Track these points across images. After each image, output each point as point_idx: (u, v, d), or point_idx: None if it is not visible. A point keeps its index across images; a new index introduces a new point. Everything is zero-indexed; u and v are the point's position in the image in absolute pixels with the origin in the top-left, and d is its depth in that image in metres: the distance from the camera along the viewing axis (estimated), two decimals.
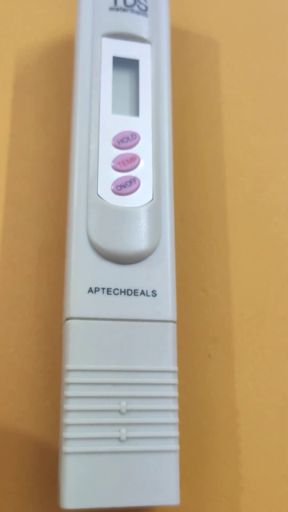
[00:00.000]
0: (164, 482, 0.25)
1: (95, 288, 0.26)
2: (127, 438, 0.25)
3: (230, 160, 0.35)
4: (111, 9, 0.31)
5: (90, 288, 0.26)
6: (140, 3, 0.32)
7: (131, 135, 0.29)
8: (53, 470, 0.27)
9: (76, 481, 0.24)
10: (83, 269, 0.27)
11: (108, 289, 0.26)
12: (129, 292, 0.27)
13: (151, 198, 0.28)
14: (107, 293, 0.26)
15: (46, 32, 0.37)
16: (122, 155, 0.29)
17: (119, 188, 0.28)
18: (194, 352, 0.30)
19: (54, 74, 0.36)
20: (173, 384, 0.26)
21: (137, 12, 0.32)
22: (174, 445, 0.25)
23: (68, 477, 0.24)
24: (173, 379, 0.26)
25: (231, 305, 0.32)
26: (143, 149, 0.29)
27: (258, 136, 0.37)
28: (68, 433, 0.24)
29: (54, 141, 0.34)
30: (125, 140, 0.29)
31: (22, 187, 0.33)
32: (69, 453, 0.24)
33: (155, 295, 0.27)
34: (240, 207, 0.34)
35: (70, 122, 0.31)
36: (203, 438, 0.29)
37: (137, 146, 0.29)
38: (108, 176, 0.28)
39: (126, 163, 0.29)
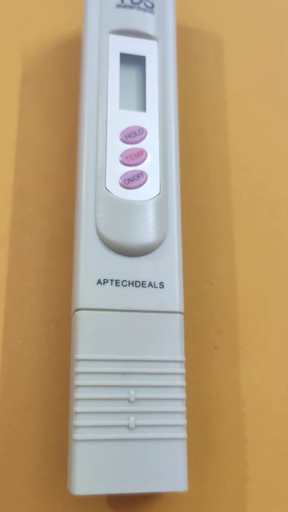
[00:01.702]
0: (172, 469, 0.25)
1: (104, 279, 0.27)
2: (136, 426, 0.25)
3: (234, 154, 0.36)
4: (118, 6, 0.32)
5: (99, 279, 0.27)
6: (147, 0, 0.32)
7: (138, 130, 0.30)
8: (62, 458, 0.27)
9: (86, 468, 0.24)
10: (92, 261, 0.27)
11: (116, 280, 0.27)
12: (137, 284, 0.27)
13: (158, 192, 0.29)
14: (116, 285, 0.27)
15: (53, 28, 0.37)
16: (129, 150, 0.29)
17: (127, 182, 0.28)
18: (200, 343, 0.31)
19: (61, 70, 0.36)
20: (180, 374, 0.26)
21: (144, 9, 0.32)
22: (182, 433, 0.26)
23: (78, 464, 0.24)
24: (181, 369, 0.26)
25: (236, 297, 0.32)
26: (150, 144, 0.30)
27: (262, 131, 0.37)
28: (78, 421, 0.25)
29: (61, 136, 0.34)
30: (133, 135, 0.29)
31: (30, 182, 0.33)
32: (79, 441, 0.24)
33: (163, 286, 0.27)
34: (245, 201, 0.35)
35: (77, 118, 0.32)
36: (209, 427, 0.29)
37: (144, 140, 0.30)
38: (116, 170, 0.29)
39: (134, 158, 0.29)
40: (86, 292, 0.26)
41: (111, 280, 0.27)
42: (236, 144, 0.36)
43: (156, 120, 0.30)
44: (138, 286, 0.27)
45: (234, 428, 0.29)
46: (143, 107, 0.30)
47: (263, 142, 0.37)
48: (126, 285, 0.27)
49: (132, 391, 0.26)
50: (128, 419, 0.25)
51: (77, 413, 0.25)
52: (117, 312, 0.26)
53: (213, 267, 0.33)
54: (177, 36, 0.34)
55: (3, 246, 0.31)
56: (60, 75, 0.36)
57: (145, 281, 0.27)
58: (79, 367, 0.25)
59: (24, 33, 0.37)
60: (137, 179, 0.28)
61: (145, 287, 0.27)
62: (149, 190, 0.29)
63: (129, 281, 0.27)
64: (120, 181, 0.28)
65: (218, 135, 0.36)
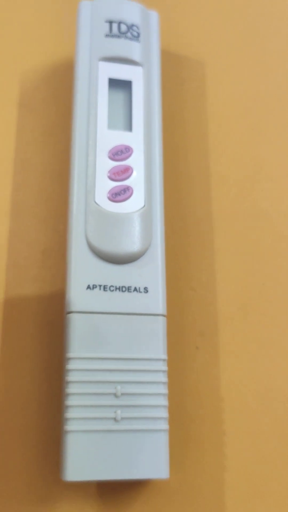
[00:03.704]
0: (155, 458, 0.26)
1: (93, 285, 0.28)
2: (122, 418, 0.27)
3: (215, 170, 0.37)
4: (107, 35, 0.33)
5: (89, 285, 0.28)
6: (133, 30, 0.34)
7: (125, 149, 0.31)
8: (55, 448, 0.29)
9: (77, 456, 0.26)
10: (82, 268, 0.28)
11: (104, 286, 0.28)
12: (123, 289, 0.28)
13: (143, 205, 0.30)
14: (104, 290, 0.28)
15: (47, 55, 0.38)
16: (116, 167, 0.31)
17: (114, 196, 0.30)
18: (183, 344, 0.32)
19: (55, 94, 0.37)
20: (163, 371, 0.28)
21: (130, 38, 0.33)
22: (164, 425, 0.27)
23: (69, 453, 0.26)
24: (163, 367, 0.28)
25: (217, 302, 0.33)
26: (136, 161, 0.31)
27: (240, 148, 0.38)
28: (69, 413, 0.26)
29: (55, 154, 0.35)
30: (120, 153, 0.31)
31: (26, 197, 0.34)
32: (70, 431, 0.26)
33: (147, 291, 0.29)
34: (225, 213, 0.36)
35: (70, 137, 0.32)
36: (190, 421, 0.31)
37: (130, 158, 0.31)
38: (104, 185, 0.30)
39: (121, 174, 0.30)
40: (77, 296, 0.28)
41: (100, 286, 0.28)
42: (216, 160, 0.37)
43: (141, 139, 0.32)
44: (124, 291, 0.28)
45: (213, 422, 0.31)
46: (129, 127, 0.32)
47: (241, 159, 0.38)
48: (113, 290, 0.28)
49: (118, 387, 0.27)
50: (115, 412, 0.27)
51: (68, 406, 0.26)
52: (105, 315, 0.28)
53: (195, 274, 0.34)
54: (161, 62, 0.35)
55: (1, 256, 0.32)
56: (54, 98, 0.37)
57: (131, 286, 0.29)
58: (71, 365, 0.27)
59: (21, 60, 0.38)
60: (124, 193, 0.30)
61: (131, 291, 0.29)
62: (135, 203, 0.30)
63: (116, 286, 0.28)
64: (108, 195, 0.30)
65: (200, 153, 0.37)
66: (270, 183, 0.38)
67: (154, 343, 0.28)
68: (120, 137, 0.32)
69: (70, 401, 0.27)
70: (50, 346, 0.31)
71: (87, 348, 0.27)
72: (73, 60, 0.34)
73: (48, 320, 0.32)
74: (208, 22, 0.42)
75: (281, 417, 0.32)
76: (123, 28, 0.34)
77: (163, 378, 0.28)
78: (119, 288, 0.29)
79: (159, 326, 0.29)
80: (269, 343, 0.33)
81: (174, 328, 0.32)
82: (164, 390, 0.28)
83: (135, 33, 0.34)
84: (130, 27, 0.34)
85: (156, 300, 0.29)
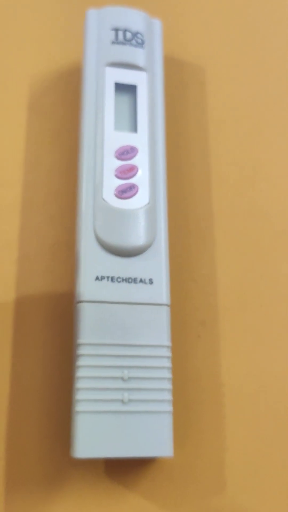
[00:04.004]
0: (160, 437, 0.28)
1: (101, 276, 0.30)
2: (129, 400, 0.28)
3: (215, 170, 0.38)
4: (113, 42, 0.35)
5: (97, 276, 0.30)
6: (138, 37, 0.35)
7: (131, 149, 0.33)
8: (66, 429, 0.30)
9: (86, 435, 0.27)
10: (91, 260, 0.30)
11: (112, 277, 0.30)
12: (130, 280, 0.30)
13: (148, 202, 0.31)
14: (111, 281, 0.30)
15: (56, 61, 0.39)
16: (123, 166, 0.32)
17: (120, 193, 0.31)
18: (185, 333, 0.34)
19: (63, 97, 0.38)
20: (167, 357, 0.29)
21: (135, 45, 0.35)
22: (168, 407, 0.28)
23: (79, 432, 0.27)
24: (167, 353, 0.29)
25: (217, 293, 0.35)
26: (141, 161, 0.32)
27: (240, 149, 0.40)
28: (79, 396, 0.28)
29: (63, 155, 0.37)
30: (125, 153, 0.32)
31: (37, 194, 0.36)
32: (80, 412, 0.27)
33: (152, 282, 0.30)
34: (225, 210, 0.37)
35: (78, 138, 0.34)
36: (193, 405, 0.32)
37: (135, 158, 0.32)
38: (111, 183, 0.31)
39: (127, 172, 0.32)
40: (86, 287, 0.29)
41: (107, 277, 0.30)
42: (217, 160, 0.39)
43: (146, 140, 0.33)
44: (131, 282, 0.30)
45: (214, 406, 0.32)
46: (134, 129, 0.33)
47: (240, 159, 0.39)
48: (120, 281, 0.30)
49: (125, 371, 0.28)
50: (122, 395, 0.28)
51: (78, 389, 0.28)
52: (112, 304, 0.29)
53: (197, 267, 0.35)
54: (164, 67, 0.36)
55: (13, 250, 0.34)
56: (62, 101, 0.38)
57: (137, 278, 0.30)
58: (81, 350, 0.28)
59: (31, 65, 0.39)
60: (130, 191, 0.31)
61: (137, 283, 0.30)
62: (140, 200, 0.31)
63: (123, 278, 0.30)
64: (115, 192, 0.31)
65: (201, 153, 0.39)
66: (267, 183, 0.39)
67: (159, 331, 0.30)
68: (126, 138, 0.33)
69: (80, 384, 0.28)
70: (60, 334, 0.32)
71: (96, 335, 0.29)
72: (80, 66, 0.36)
73: (58, 309, 0.33)
74: (209, 29, 0.44)
75: (278, 401, 0.33)
76: (128, 35, 0.35)
77: (167, 363, 0.29)
78: (125, 280, 0.30)
79: (163, 315, 0.30)
80: (266, 331, 0.35)
81: (177, 317, 0.33)
82: (168, 374, 0.29)
83: (139, 40, 0.35)
84: (134, 34, 0.35)
85: (160, 290, 0.30)
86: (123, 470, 0.30)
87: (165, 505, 0.30)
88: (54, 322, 0.33)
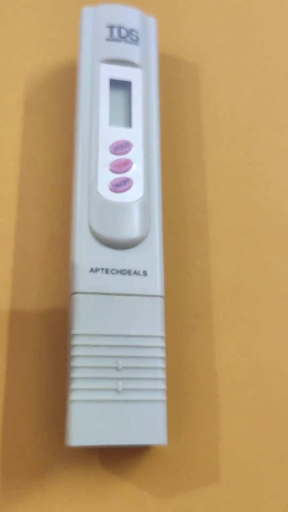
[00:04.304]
0: (154, 425, 0.28)
1: (96, 268, 0.30)
2: (123, 389, 0.28)
3: (210, 165, 0.39)
4: (107, 39, 0.35)
5: (92, 268, 0.30)
6: (132, 34, 0.36)
7: (125, 143, 0.33)
8: (61, 420, 0.30)
9: (80, 424, 0.27)
10: (85, 252, 0.30)
11: (106, 269, 0.30)
12: (124, 272, 0.30)
13: (142, 195, 0.32)
14: (106, 273, 0.30)
15: (51, 57, 0.40)
16: (117, 160, 0.32)
17: (115, 186, 0.32)
18: (180, 325, 0.34)
19: (59, 93, 0.39)
20: (161, 347, 0.30)
21: (130, 42, 0.35)
22: (162, 396, 0.29)
23: (73, 420, 0.27)
24: (161, 343, 0.30)
25: (211, 286, 0.35)
26: (135, 155, 0.33)
27: (234, 144, 0.40)
28: (74, 385, 0.28)
29: (59, 150, 0.37)
30: (120, 147, 0.33)
31: (32, 190, 0.36)
32: (74, 401, 0.28)
33: (146, 274, 0.31)
34: (218, 204, 0.38)
35: (73, 134, 0.34)
36: (187, 395, 0.32)
37: (130, 152, 0.33)
38: (106, 177, 0.32)
39: (121, 166, 0.32)
40: (81, 278, 0.30)
41: (102, 269, 0.30)
42: (211, 156, 0.39)
43: (140, 135, 0.33)
44: (125, 274, 0.30)
45: (208, 396, 0.33)
46: (129, 124, 0.34)
47: (235, 154, 0.40)
48: (114, 273, 0.30)
49: (120, 361, 0.29)
50: (116, 384, 0.28)
51: (73, 378, 0.28)
52: (107, 295, 0.30)
53: (191, 261, 0.36)
54: (159, 64, 0.37)
55: (9, 244, 0.34)
56: (58, 97, 0.39)
57: (131, 270, 0.30)
58: (75, 341, 0.29)
59: (27, 62, 0.40)
60: (124, 184, 0.32)
61: (131, 274, 0.30)
62: (134, 193, 0.32)
63: (117, 270, 0.30)
64: (110, 186, 0.32)
65: (195, 148, 0.39)
66: (261, 177, 0.40)
67: (153, 322, 0.30)
68: (121, 133, 0.33)
69: (75, 374, 0.28)
70: (56, 325, 0.33)
71: (91, 325, 0.29)
72: (76, 62, 0.36)
73: (54, 301, 0.33)
74: (203, 27, 0.44)
75: (271, 392, 0.34)
76: (123, 32, 0.36)
77: (161, 353, 0.30)
78: (120, 271, 0.30)
79: (157, 306, 0.30)
80: (260, 324, 0.35)
81: (172, 310, 0.34)
82: (162, 364, 0.29)
83: (134, 37, 0.36)
84: (129, 31, 0.36)
85: (155, 282, 0.31)
86: (118, 458, 0.31)
87: (159, 493, 0.30)
88: (49, 313, 0.33)
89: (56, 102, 0.39)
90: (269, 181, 0.39)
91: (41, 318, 0.33)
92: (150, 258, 0.31)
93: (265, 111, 0.42)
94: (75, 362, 0.29)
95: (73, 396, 0.28)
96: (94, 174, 0.32)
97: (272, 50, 0.45)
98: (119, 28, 0.36)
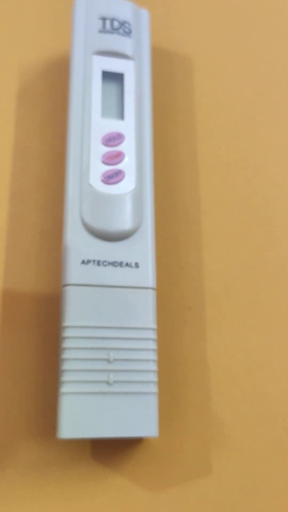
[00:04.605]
0: (145, 418, 0.28)
1: (87, 260, 0.30)
2: (114, 381, 0.28)
3: (202, 158, 0.39)
4: (100, 31, 0.35)
5: (83, 260, 0.30)
6: (125, 26, 0.36)
7: (117, 135, 0.33)
8: (52, 413, 0.30)
9: (71, 416, 0.27)
10: (77, 244, 0.30)
11: (98, 261, 0.30)
12: (116, 264, 0.30)
13: (134, 187, 0.32)
14: (97, 265, 0.30)
15: (44, 50, 0.40)
16: (109, 152, 0.32)
17: (107, 178, 0.32)
18: (172, 318, 0.34)
19: (52, 86, 0.39)
20: (153, 339, 0.29)
21: (122, 34, 0.35)
22: (154, 388, 0.29)
23: (64, 413, 0.27)
24: (153, 335, 0.30)
25: (203, 279, 0.35)
26: (127, 147, 0.33)
27: (226, 137, 0.40)
28: (65, 377, 0.28)
29: (51, 142, 0.37)
30: (112, 139, 0.33)
31: (24, 183, 0.36)
32: (65, 393, 0.28)
33: (138, 266, 0.31)
34: (211, 197, 0.38)
35: (65, 126, 0.34)
36: (179, 388, 0.32)
37: (122, 144, 0.33)
38: (98, 169, 0.32)
39: (113, 158, 0.32)
40: (72, 270, 0.30)
41: (94, 261, 0.30)
42: (204, 149, 0.39)
43: (132, 127, 0.33)
44: (117, 266, 0.30)
45: (200, 389, 0.33)
46: (121, 116, 0.34)
47: (227, 147, 0.40)
48: (106, 265, 0.30)
49: (111, 353, 0.29)
50: (108, 376, 0.28)
51: (64, 370, 0.28)
52: (98, 287, 0.30)
53: (183, 254, 0.36)
54: (152, 56, 0.37)
55: (1, 238, 0.34)
56: (50, 90, 0.39)
57: (123, 262, 0.30)
58: (66, 333, 0.28)
59: (19, 55, 0.39)
60: (116, 176, 0.32)
61: (123, 266, 0.30)
62: (126, 185, 0.32)
63: (108, 261, 0.30)
64: (102, 178, 0.32)
65: (188, 141, 0.39)
66: (253, 170, 0.40)
67: (144, 314, 0.30)
68: (113, 125, 0.33)
69: (66, 366, 0.28)
70: (47, 317, 0.33)
71: (82, 317, 0.29)
72: (68, 55, 0.36)
73: (46, 294, 0.33)
74: (195, 20, 0.44)
75: (263, 384, 0.34)
76: (116, 24, 0.36)
77: (153, 345, 0.30)
78: (112, 263, 0.30)
79: (149, 298, 0.30)
80: (250, 317, 0.35)
81: (164, 303, 0.34)
82: (153, 356, 0.29)
83: (127, 29, 0.36)
84: (122, 23, 0.36)
85: (146, 274, 0.31)
86: (109, 451, 0.31)
87: (151, 486, 0.30)
88: (41, 305, 0.33)
89: (49, 95, 0.39)
90: (263, 175, 0.40)
91: (33, 310, 0.33)
92: (142, 250, 0.31)
93: (259, 104, 0.42)
94: (66, 354, 0.28)
95: (64, 388, 0.28)
96: (86, 165, 0.32)
97: (265, 43, 0.45)
98: (112, 20, 0.36)
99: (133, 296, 0.30)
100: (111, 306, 0.30)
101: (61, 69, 0.39)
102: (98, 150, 0.33)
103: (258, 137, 0.41)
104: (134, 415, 0.28)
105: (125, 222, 0.31)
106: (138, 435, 0.28)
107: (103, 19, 0.36)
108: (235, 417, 0.33)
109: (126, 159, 0.33)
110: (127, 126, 0.34)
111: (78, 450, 0.30)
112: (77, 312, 0.29)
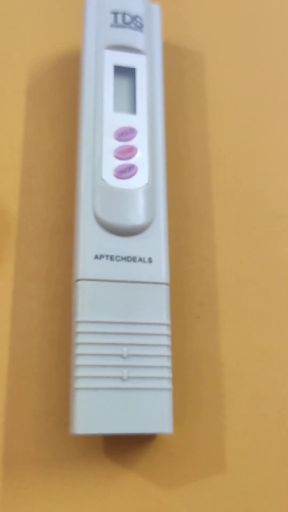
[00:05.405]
0: (159, 414, 0.28)
1: (100, 255, 0.30)
2: (128, 377, 0.28)
3: (214, 153, 0.39)
4: (112, 26, 0.35)
5: (96, 255, 0.30)
6: (137, 21, 0.35)
7: (130, 130, 0.33)
8: (65, 406, 0.30)
9: (85, 412, 0.27)
10: (90, 239, 0.30)
11: (111, 256, 0.30)
12: (129, 259, 0.30)
13: (147, 182, 0.32)
14: (110, 260, 0.30)
15: (55, 45, 0.40)
16: (122, 146, 0.32)
17: (119, 173, 0.32)
18: (185, 314, 0.34)
19: (63, 80, 0.39)
20: (166, 335, 0.29)
21: (134, 28, 0.35)
22: (168, 384, 0.28)
23: (78, 408, 0.27)
24: (167, 330, 0.29)
25: (216, 275, 0.35)
26: (140, 141, 0.33)
27: (238, 132, 0.40)
28: (78, 372, 0.28)
29: (62, 138, 0.37)
30: (125, 134, 0.33)
31: (35, 178, 0.36)
32: (79, 389, 0.27)
33: (151, 261, 0.30)
34: (223, 193, 0.38)
35: (76, 121, 0.34)
36: (193, 385, 0.32)
37: (134, 139, 0.33)
38: (110, 164, 0.32)
39: (126, 153, 0.32)
40: (85, 265, 0.29)
41: (107, 256, 0.30)
42: (216, 144, 0.39)
43: (145, 121, 0.33)
44: (130, 261, 0.30)
45: (214, 386, 0.32)
46: (133, 110, 0.34)
47: (239, 142, 0.40)
48: (119, 260, 0.30)
49: (125, 348, 0.28)
50: (121, 372, 0.28)
51: (77, 366, 0.28)
52: (111, 282, 0.29)
53: (196, 249, 0.36)
54: (163, 51, 0.37)
55: (12, 234, 0.34)
56: (62, 85, 0.39)
57: (136, 257, 0.30)
58: (79, 328, 0.28)
59: (30, 50, 0.39)
60: (129, 171, 0.32)
61: (136, 261, 0.30)
62: (139, 180, 0.32)
63: (122, 257, 0.30)
64: (114, 172, 0.31)
65: (199, 136, 0.39)
66: (265, 166, 0.39)
67: (158, 309, 0.30)
68: (125, 119, 0.33)
69: (79, 361, 0.28)
70: (60, 311, 0.33)
71: (95, 312, 0.29)
72: (79, 50, 0.36)
73: (58, 289, 0.33)
74: (207, 16, 0.44)
75: (276, 379, 0.33)
76: (127, 19, 0.36)
77: (167, 341, 0.29)
78: (125, 258, 0.30)
79: (162, 293, 0.30)
80: (264, 312, 0.35)
81: (177, 299, 0.33)
82: (167, 352, 0.29)
83: (138, 24, 0.36)
84: (133, 18, 0.36)
85: (160, 269, 0.30)
86: (122, 447, 0.30)
87: (164, 483, 0.30)
88: (52, 300, 0.33)
89: (59, 90, 0.39)
90: (274, 169, 0.39)
91: (45, 305, 0.33)
92: (155, 245, 0.31)
93: (269, 100, 0.42)
94: (80, 350, 0.28)
95: (78, 383, 0.28)
96: (99, 160, 0.32)
97: (275, 39, 0.45)
98: (123, 14, 0.36)
99: (146, 291, 0.30)
100: (124, 301, 0.29)
101: (71, 64, 0.39)
102: (111, 144, 0.32)
103: (269, 132, 0.41)
104: (148, 411, 0.28)
105: (138, 216, 0.31)
106: (153, 431, 0.28)
107: (115, 13, 0.36)
108: (249, 414, 0.32)
109: (138, 153, 0.33)
110: (139, 121, 0.34)
111: (90, 447, 0.30)
112: (90, 307, 0.29)
